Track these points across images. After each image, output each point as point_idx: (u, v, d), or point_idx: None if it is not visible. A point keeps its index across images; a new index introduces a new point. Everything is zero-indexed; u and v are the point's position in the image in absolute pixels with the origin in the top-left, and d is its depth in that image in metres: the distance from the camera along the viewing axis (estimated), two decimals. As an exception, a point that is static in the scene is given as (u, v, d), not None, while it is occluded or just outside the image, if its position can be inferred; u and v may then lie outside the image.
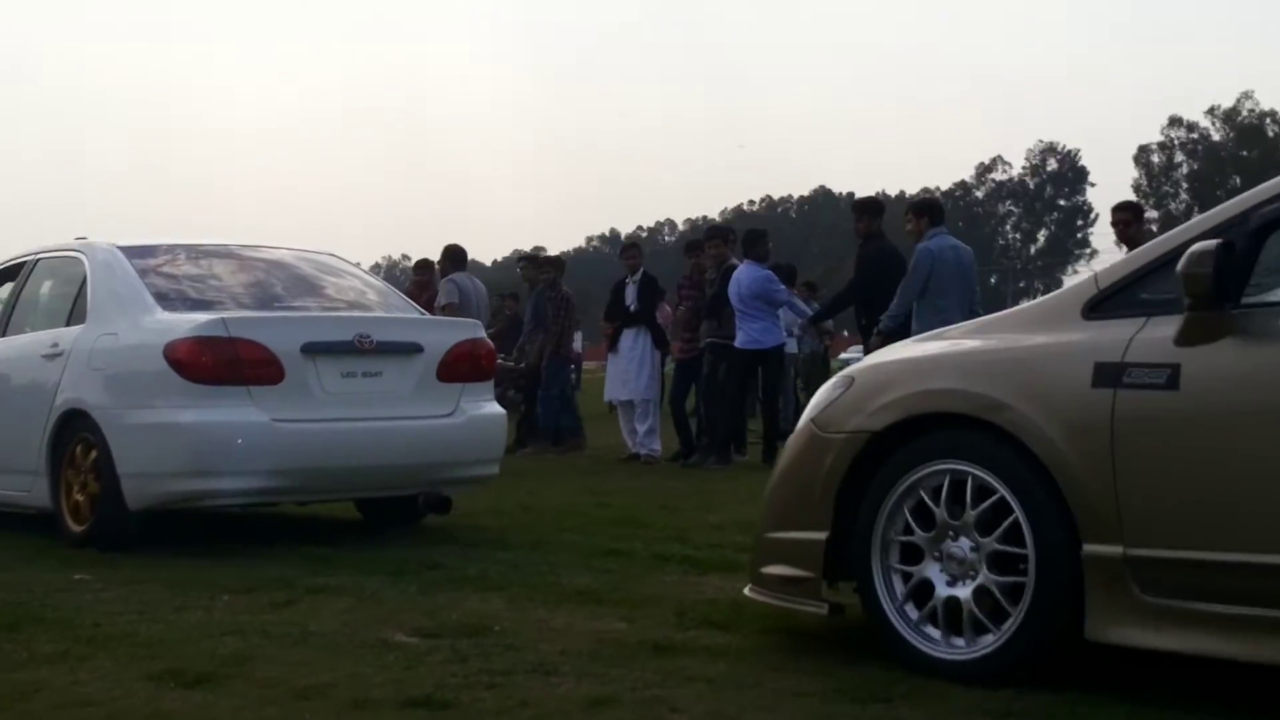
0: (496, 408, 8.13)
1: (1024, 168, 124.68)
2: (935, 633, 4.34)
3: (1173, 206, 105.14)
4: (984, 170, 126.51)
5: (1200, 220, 4.18)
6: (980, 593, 4.25)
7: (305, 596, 5.73)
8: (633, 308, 14.09)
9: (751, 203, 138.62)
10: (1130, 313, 4.14)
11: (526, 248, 55.59)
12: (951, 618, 4.31)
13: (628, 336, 14.09)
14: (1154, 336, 4.02)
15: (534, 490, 10.15)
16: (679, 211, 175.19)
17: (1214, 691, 4.07)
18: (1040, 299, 4.65)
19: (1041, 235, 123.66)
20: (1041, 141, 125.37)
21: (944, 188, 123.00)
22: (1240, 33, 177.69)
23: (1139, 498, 3.95)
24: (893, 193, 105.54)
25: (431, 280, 14.83)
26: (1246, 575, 3.77)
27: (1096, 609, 4.01)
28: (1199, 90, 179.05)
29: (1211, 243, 3.89)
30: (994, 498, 4.23)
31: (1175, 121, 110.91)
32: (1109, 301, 4.22)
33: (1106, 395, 4.03)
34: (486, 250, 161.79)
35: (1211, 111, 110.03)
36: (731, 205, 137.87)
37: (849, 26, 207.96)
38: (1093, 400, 4.06)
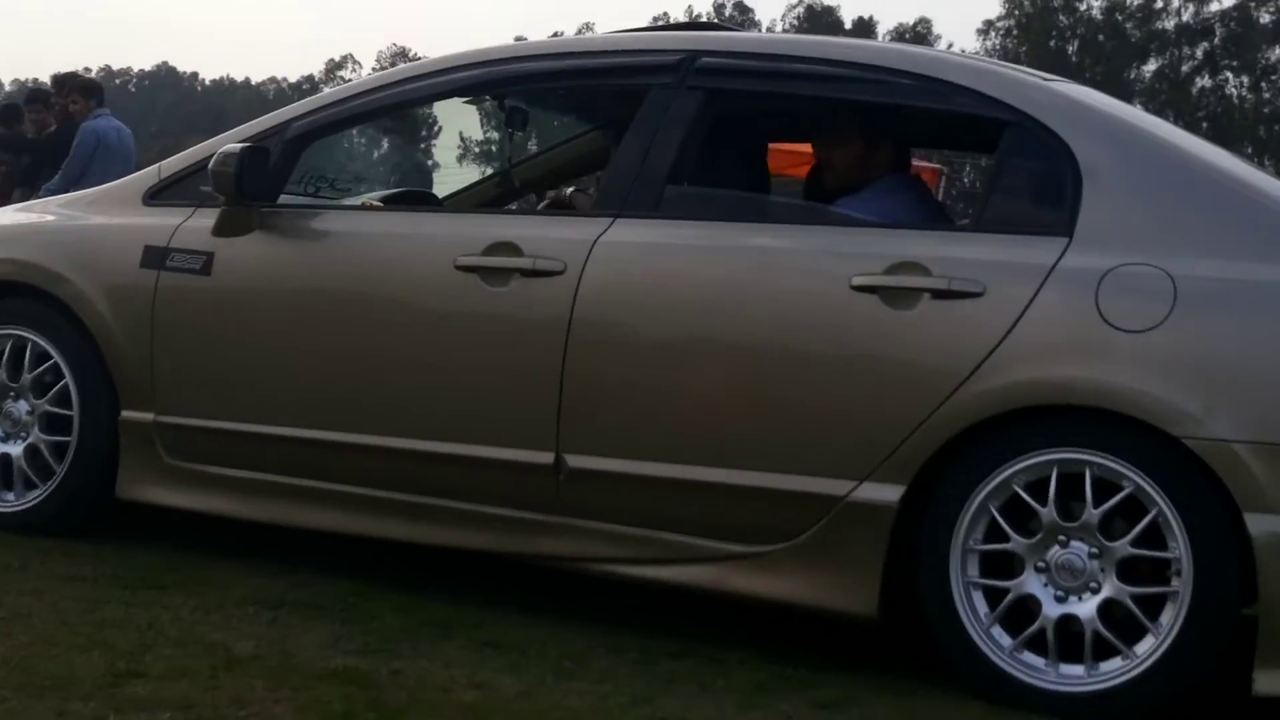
0: None
1: (374, 68, 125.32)
2: (11, 495, 4.55)
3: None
4: (334, 67, 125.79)
5: (248, 126, 4.61)
6: (31, 451, 4.50)
7: None
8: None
9: (88, 69, 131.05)
10: (183, 202, 4.51)
11: None
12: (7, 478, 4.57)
13: (-75, 199, 13.02)
14: (197, 225, 4.41)
15: None
16: (7, 71, 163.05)
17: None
18: (115, 182, 4.97)
19: (385, 141, 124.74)
20: (395, 45, 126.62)
21: (291, 79, 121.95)
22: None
23: (170, 370, 4.37)
24: (238, 79, 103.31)
25: None
26: (251, 443, 4.27)
27: (128, 469, 4.41)
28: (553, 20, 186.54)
29: (237, 146, 4.29)
30: (35, 355, 4.50)
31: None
32: (168, 190, 4.58)
33: (151, 276, 4.40)
34: None
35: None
36: (65, 69, 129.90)
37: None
38: (139, 280, 4.41)
